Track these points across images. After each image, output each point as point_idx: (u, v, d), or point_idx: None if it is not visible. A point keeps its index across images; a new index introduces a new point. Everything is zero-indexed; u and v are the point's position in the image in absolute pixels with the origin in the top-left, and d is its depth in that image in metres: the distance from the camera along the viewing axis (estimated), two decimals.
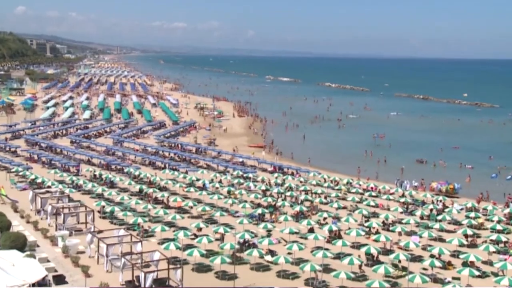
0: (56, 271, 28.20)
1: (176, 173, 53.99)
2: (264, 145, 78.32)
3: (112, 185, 49.51)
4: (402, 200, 47.08)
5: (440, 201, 47.43)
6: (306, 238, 35.49)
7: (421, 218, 42.35)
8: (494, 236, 36.21)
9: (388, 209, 45.13)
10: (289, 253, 32.23)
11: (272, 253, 32.76)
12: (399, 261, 31.46)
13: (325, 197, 47.69)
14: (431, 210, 44.03)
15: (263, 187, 49.37)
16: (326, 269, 29.68)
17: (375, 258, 32.40)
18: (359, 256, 31.83)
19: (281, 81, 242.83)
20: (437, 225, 38.49)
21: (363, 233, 35.92)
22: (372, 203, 46.20)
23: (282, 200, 45.80)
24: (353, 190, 50.83)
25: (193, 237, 34.62)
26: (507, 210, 44.54)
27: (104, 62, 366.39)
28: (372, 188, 51.93)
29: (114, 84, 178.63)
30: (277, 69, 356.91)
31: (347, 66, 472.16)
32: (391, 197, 49.07)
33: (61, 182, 48.13)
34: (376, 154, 72.97)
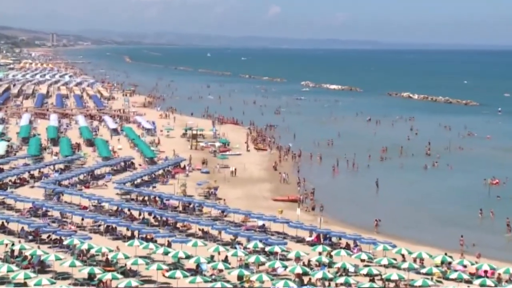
0: None
1: (151, 245, 54.01)
2: (299, 197, 78.29)
3: (42, 268, 49.57)
4: None
5: None
6: None
7: None
8: None
9: None
10: None
11: None
12: None
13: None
14: None
15: (299, 270, 49.28)
16: None
17: None
18: None
19: (326, 90, 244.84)
20: None
21: None
22: None
23: None
24: (454, 276, 50.34)
25: None
26: None
27: (31, 61, 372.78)
28: (487, 272, 51.40)
29: (47, 97, 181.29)
30: (319, 70, 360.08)
31: (437, 65, 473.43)
32: None
33: None
34: (496, 213, 72.23)
